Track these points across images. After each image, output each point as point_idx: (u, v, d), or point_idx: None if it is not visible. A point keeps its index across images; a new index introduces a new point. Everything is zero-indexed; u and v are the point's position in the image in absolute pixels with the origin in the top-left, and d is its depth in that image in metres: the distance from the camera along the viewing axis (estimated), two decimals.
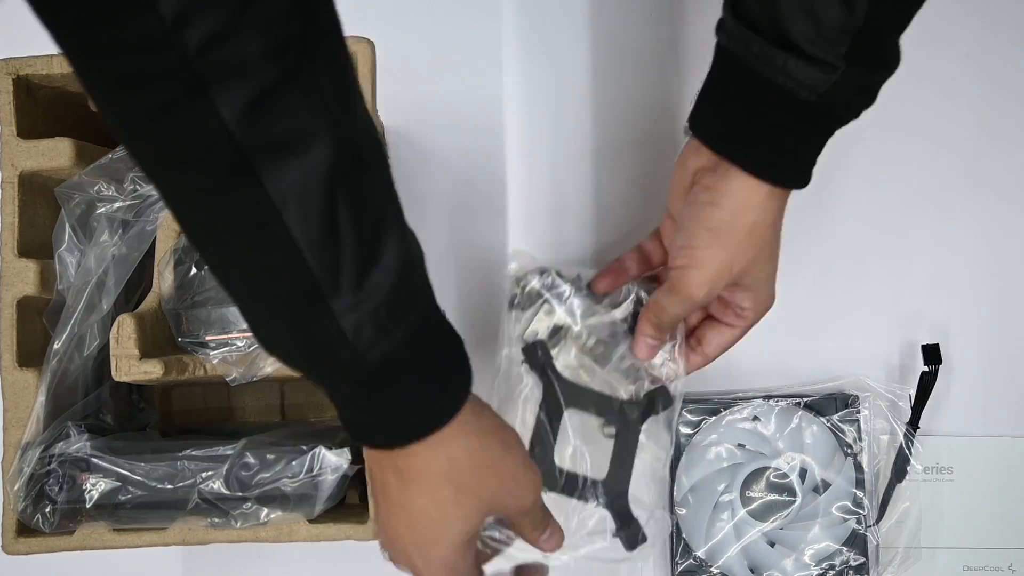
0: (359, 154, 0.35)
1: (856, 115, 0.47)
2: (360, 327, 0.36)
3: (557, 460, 0.55)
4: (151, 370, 0.53)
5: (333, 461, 0.53)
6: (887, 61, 0.45)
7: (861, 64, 0.44)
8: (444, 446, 0.41)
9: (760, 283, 0.52)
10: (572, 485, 0.54)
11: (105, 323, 0.55)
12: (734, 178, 0.48)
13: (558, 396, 0.55)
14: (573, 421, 0.55)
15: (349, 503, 0.58)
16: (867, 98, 0.46)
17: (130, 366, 0.53)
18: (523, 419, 0.55)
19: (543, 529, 0.48)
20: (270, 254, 0.34)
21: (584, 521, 0.54)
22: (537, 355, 0.55)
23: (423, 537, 0.43)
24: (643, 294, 0.55)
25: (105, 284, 0.55)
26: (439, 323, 0.41)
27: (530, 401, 0.55)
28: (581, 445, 0.55)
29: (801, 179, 0.48)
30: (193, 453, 0.54)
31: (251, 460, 0.54)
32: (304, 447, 0.54)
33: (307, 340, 0.37)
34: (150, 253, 0.57)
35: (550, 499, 0.51)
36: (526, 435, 0.54)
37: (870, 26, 0.43)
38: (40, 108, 0.57)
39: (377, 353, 0.37)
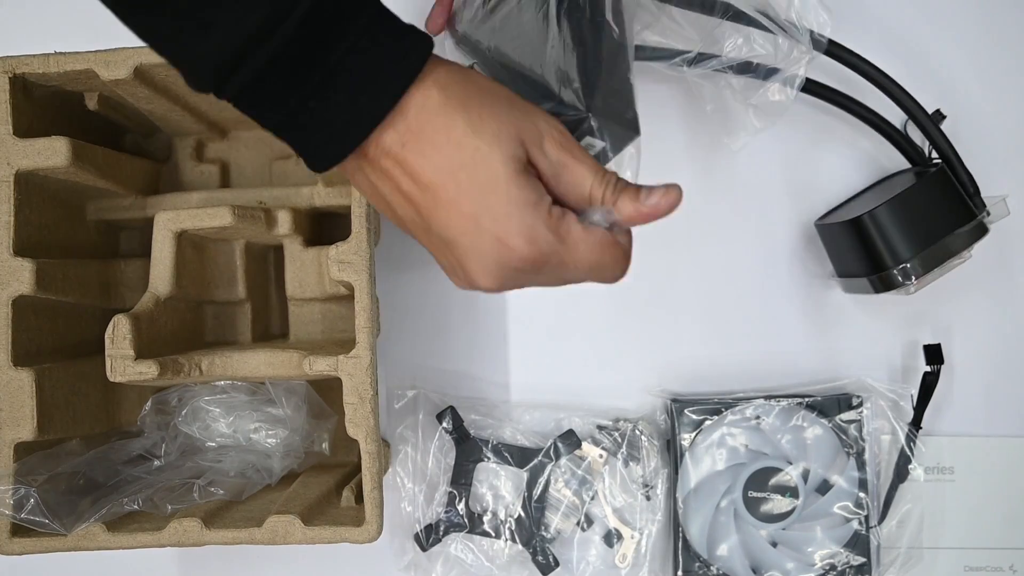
0: None
1: None
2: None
3: (472, 504, 0.64)
4: (146, 371, 0.53)
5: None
6: None
7: None
8: (432, 78, 0.36)
9: None
10: (492, 524, 0.64)
11: None
12: None
13: (473, 448, 0.64)
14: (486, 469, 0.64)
15: (345, 505, 0.57)
16: None
17: (125, 367, 0.53)
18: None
19: (605, 177, 0.39)
20: None
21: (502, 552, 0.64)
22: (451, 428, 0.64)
23: (468, 195, 0.36)
24: None
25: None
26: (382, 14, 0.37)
27: None
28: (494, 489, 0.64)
29: None
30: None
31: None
32: None
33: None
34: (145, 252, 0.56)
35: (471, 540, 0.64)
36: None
37: None
38: (36, 107, 0.56)
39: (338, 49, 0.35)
